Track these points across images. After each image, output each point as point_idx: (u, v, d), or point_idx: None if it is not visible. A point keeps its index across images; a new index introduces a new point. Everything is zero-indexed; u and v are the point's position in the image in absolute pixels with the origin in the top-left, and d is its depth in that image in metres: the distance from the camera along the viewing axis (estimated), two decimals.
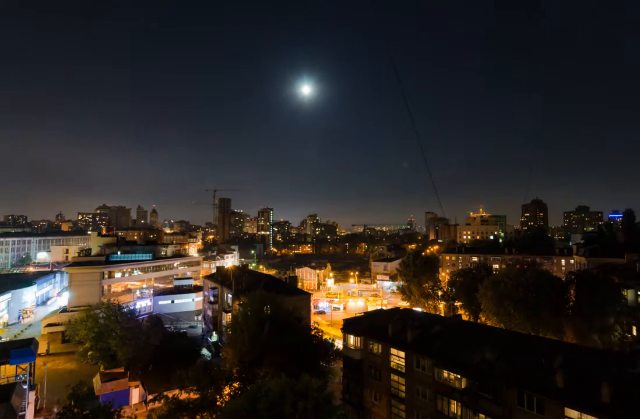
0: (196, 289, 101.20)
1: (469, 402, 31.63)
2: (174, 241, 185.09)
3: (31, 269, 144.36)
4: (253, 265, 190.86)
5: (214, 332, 78.43)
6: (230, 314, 69.21)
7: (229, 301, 71.86)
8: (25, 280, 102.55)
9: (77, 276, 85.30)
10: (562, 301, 59.89)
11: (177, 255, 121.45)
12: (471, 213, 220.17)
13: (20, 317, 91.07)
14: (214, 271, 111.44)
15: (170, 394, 41.24)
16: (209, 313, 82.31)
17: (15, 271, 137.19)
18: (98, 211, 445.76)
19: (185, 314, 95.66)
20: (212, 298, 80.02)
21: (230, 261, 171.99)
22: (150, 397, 48.38)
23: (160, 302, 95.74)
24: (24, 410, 39.41)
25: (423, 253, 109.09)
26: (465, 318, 67.59)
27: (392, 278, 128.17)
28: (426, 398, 35.99)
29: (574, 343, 48.10)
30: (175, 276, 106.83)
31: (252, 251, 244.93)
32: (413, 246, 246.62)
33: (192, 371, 41.52)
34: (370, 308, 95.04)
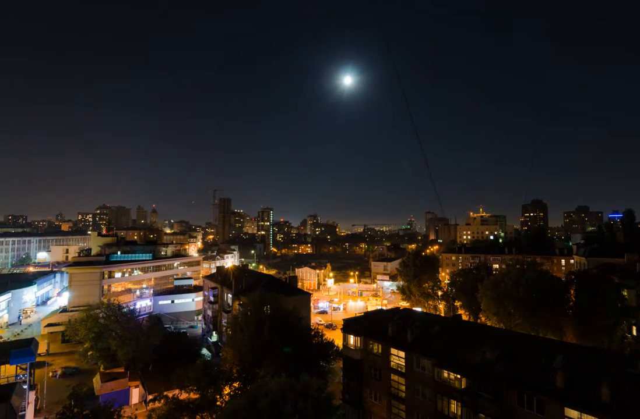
0: (196, 289, 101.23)
1: (469, 402, 31.60)
2: (174, 241, 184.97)
3: (31, 269, 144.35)
4: (253, 265, 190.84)
5: (214, 332, 78.38)
6: (230, 314, 69.19)
7: (229, 301, 71.82)
8: (25, 280, 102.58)
9: (77, 276, 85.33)
10: (562, 301, 59.82)
11: (177, 255, 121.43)
12: (471, 213, 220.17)
13: (20, 317, 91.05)
14: (214, 271, 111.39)
15: (170, 394, 41.23)
16: (209, 313, 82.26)
17: (15, 271, 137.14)
18: (98, 211, 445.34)
19: (185, 314, 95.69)
20: (212, 298, 79.96)
21: (230, 261, 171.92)
22: (150, 397, 48.38)
23: (160, 302, 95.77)
24: (24, 410, 39.42)
25: (423, 253, 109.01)
26: (465, 318, 67.56)
27: (392, 278, 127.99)
28: (426, 398, 35.96)
29: (574, 343, 48.02)
30: (175, 276, 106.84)
31: (252, 251, 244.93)
32: (413, 246, 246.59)
33: (192, 371, 41.46)
34: (370, 308, 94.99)
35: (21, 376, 42.14)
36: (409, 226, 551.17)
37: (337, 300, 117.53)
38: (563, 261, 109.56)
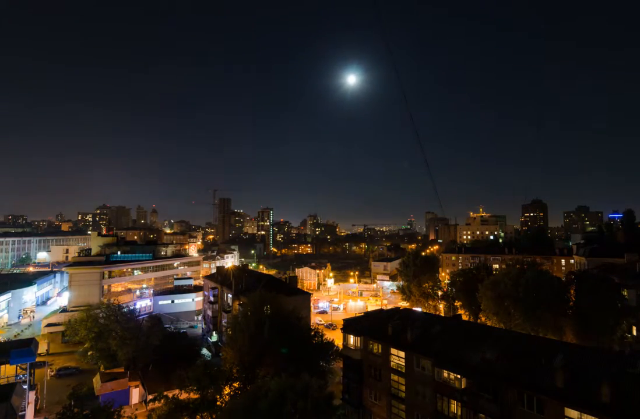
0: (196, 289, 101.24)
1: (469, 402, 31.62)
2: (174, 241, 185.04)
3: (31, 269, 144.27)
4: (253, 265, 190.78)
5: (214, 332, 78.39)
6: (230, 314, 69.20)
7: (229, 301, 71.81)
8: (25, 280, 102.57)
9: (77, 276, 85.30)
10: (562, 301, 59.84)
11: (177, 255, 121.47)
12: (471, 213, 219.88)
13: (21, 317, 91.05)
14: (214, 271, 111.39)
15: (170, 394, 41.23)
16: (209, 313, 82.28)
17: (15, 271, 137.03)
18: (98, 211, 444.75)
19: (185, 314, 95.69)
20: (212, 298, 79.98)
21: (230, 261, 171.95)
22: (150, 397, 48.37)
23: (160, 302, 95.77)
24: (24, 410, 39.42)
25: (423, 253, 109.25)
26: (465, 318, 67.56)
27: (392, 278, 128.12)
28: (426, 398, 35.99)
29: (574, 343, 48.05)
30: (175, 276, 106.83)
31: (252, 251, 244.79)
32: (413, 246, 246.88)
33: (192, 371, 41.45)
34: (370, 308, 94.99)
35: (21, 376, 42.16)
36: (409, 226, 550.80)
37: (337, 300, 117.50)
38: (563, 261, 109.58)
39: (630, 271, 60.41)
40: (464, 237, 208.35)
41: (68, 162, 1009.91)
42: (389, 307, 79.12)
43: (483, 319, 68.03)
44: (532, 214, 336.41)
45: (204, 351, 68.71)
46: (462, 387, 32.50)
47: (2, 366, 41.00)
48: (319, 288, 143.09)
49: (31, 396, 43.57)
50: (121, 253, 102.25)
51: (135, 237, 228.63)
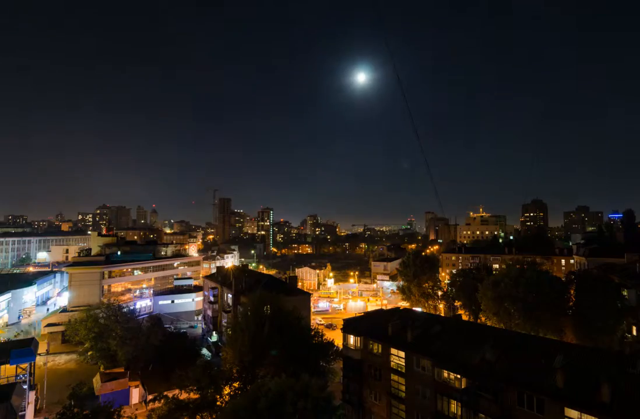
0: (196, 289, 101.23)
1: (469, 402, 31.63)
2: (174, 241, 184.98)
3: (31, 269, 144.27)
4: (253, 265, 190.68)
5: (214, 332, 78.40)
6: (230, 314, 69.19)
7: (229, 301, 71.81)
8: (25, 280, 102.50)
9: (77, 276, 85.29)
10: (562, 301, 59.86)
11: (177, 255, 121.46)
12: (471, 213, 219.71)
13: (21, 317, 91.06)
14: (214, 271, 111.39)
15: (170, 394, 41.20)
16: (209, 313, 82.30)
17: (15, 271, 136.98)
18: (98, 212, 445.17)
19: (185, 314, 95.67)
20: (212, 298, 80.00)
21: (230, 261, 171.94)
22: (150, 397, 48.33)
23: (160, 302, 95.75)
24: (24, 410, 39.43)
25: (423, 253, 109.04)
26: (465, 318, 67.59)
27: (392, 278, 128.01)
28: (426, 398, 35.99)
29: (574, 343, 48.06)
30: (175, 276, 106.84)
31: (252, 251, 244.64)
32: (413, 246, 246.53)
33: (192, 371, 41.44)
34: (370, 308, 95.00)
35: (21, 376, 42.17)
36: (409, 226, 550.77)
37: (337, 300, 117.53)
38: (563, 261, 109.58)
39: (630, 271, 60.36)
40: (464, 237, 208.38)
41: (68, 162, 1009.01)
42: (389, 307, 79.24)
43: (483, 319, 68.02)
44: (532, 214, 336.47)
45: (204, 351, 68.70)
46: (462, 387, 32.52)
47: (2, 366, 41.03)
48: (319, 288, 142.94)
49: (31, 396, 43.58)
50: (121, 253, 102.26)
51: (135, 237, 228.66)
